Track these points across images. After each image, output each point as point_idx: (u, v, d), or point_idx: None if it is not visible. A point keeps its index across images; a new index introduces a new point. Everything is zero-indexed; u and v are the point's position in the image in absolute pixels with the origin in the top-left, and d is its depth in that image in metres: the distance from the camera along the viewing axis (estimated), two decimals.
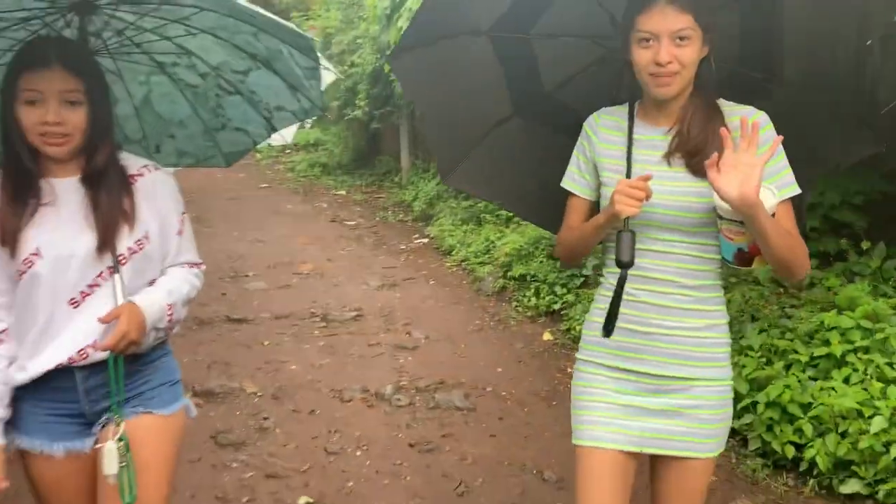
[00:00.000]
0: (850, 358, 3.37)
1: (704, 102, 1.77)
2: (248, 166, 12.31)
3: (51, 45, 1.74)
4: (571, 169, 1.94)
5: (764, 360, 3.57)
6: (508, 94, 2.08)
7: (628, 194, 1.69)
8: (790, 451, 3.24)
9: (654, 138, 1.81)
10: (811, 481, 3.16)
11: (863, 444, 3.00)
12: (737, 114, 1.74)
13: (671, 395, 1.82)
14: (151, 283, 1.87)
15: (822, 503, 3.09)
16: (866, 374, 3.28)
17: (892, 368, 3.26)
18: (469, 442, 3.71)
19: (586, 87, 2.02)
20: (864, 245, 4.09)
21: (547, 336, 5.04)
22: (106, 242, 1.77)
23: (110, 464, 1.75)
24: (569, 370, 4.40)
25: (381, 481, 3.36)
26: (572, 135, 1.94)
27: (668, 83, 1.71)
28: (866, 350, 3.38)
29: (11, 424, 1.80)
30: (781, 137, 1.64)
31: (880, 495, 2.96)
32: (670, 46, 1.67)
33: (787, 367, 3.51)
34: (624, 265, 1.77)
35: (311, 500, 3.20)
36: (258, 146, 2.43)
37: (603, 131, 1.88)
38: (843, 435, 3.10)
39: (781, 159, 1.74)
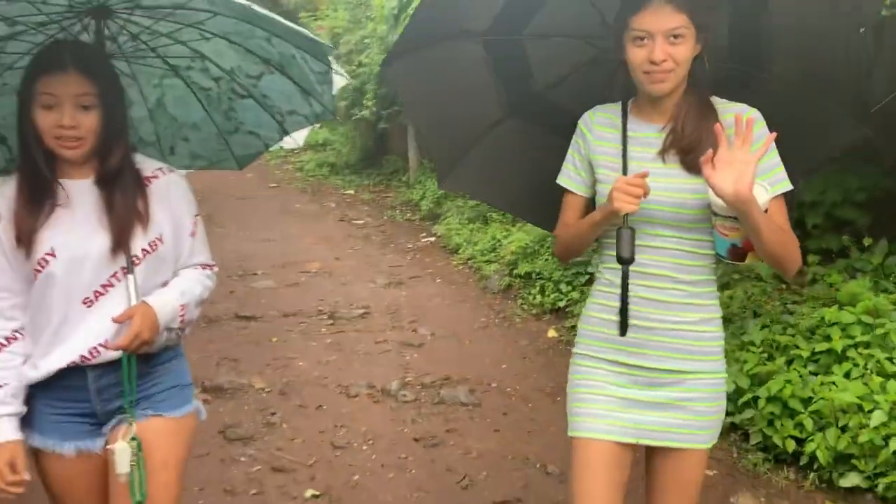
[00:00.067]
0: (851, 353, 3.40)
1: (698, 100, 1.79)
2: (258, 166, 12.31)
3: (67, 50, 1.76)
4: (567, 166, 1.95)
5: (765, 355, 3.60)
6: (501, 95, 2.07)
7: (627, 191, 1.71)
8: (791, 446, 3.26)
9: (648, 135, 1.83)
10: (812, 475, 3.19)
11: (863, 438, 3.02)
12: (730, 111, 1.77)
13: (667, 387, 1.84)
14: (164, 284, 1.88)
15: (823, 497, 3.12)
16: (867, 369, 3.31)
17: (892, 363, 3.29)
18: (473, 437, 3.75)
19: (579, 87, 2.02)
20: (866, 242, 4.10)
21: (552, 333, 5.07)
22: (120, 243, 1.78)
23: (122, 463, 1.77)
24: None
25: (386, 475, 3.41)
26: (566, 135, 1.95)
27: (662, 79, 1.73)
28: (867, 345, 3.41)
29: (25, 423, 1.82)
30: (775, 134, 1.67)
31: (880, 489, 2.99)
32: (664, 45, 1.69)
33: (789, 362, 3.54)
34: (625, 262, 1.79)
35: (317, 493, 3.25)
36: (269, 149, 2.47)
37: (597, 128, 1.90)
38: (844, 429, 3.13)
39: (774, 156, 1.77)
